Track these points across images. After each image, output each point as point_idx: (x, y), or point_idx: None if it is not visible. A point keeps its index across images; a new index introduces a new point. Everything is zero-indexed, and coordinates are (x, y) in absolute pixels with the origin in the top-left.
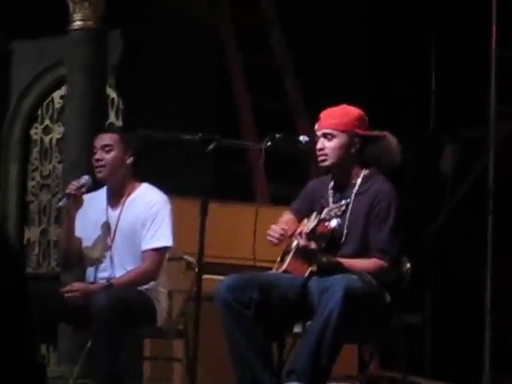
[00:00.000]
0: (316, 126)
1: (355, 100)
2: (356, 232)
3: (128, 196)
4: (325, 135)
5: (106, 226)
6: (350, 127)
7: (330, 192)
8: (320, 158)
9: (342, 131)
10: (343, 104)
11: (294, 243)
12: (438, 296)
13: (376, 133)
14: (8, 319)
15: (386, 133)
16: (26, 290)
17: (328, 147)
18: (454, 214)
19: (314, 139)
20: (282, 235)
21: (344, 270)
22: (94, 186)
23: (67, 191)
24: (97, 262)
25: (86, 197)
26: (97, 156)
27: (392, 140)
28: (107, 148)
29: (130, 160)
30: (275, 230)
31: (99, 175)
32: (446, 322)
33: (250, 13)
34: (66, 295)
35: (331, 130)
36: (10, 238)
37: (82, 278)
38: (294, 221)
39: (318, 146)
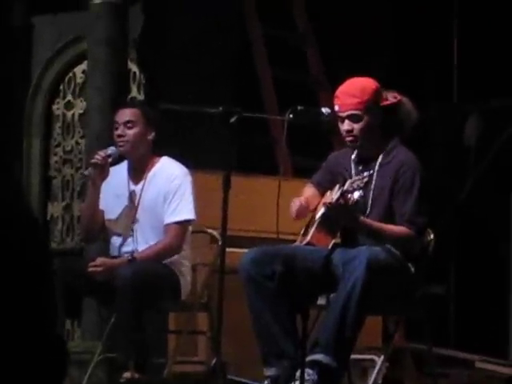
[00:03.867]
0: (337, 107)
1: (377, 71)
2: (381, 203)
3: (149, 171)
4: (349, 116)
5: (132, 200)
6: (372, 103)
7: (353, 164)
8: (349, 139)
9: (367, 110)
10: (358, 77)
11: (318, 215)
12: (463, 267)
13: (393, 100)
14: (28, 290)
15: (400, 97)
16: (48, 261)
17: (356, 129)
18: (479, 185)
19: (335, 115)
20: (301, 205)
21: (370, 233)
22: (120, 158)
23: (93, 161)
24: (122, 235)
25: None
26: (119, 132)
27: (407, 102)
28: (129, 124)
29: (151, 136)
30: (295, 203)
31: (121, 149)
32: (471, 293)
33: None
34: (90, 270)
35: (356, 111)
36: (32, 211)
37: (105, 251)
38: (317, 194)
39: (346, 127)
